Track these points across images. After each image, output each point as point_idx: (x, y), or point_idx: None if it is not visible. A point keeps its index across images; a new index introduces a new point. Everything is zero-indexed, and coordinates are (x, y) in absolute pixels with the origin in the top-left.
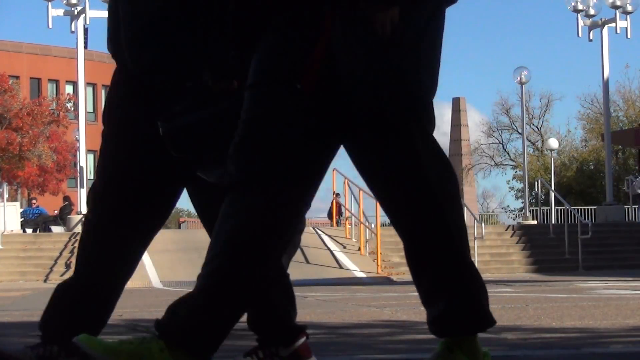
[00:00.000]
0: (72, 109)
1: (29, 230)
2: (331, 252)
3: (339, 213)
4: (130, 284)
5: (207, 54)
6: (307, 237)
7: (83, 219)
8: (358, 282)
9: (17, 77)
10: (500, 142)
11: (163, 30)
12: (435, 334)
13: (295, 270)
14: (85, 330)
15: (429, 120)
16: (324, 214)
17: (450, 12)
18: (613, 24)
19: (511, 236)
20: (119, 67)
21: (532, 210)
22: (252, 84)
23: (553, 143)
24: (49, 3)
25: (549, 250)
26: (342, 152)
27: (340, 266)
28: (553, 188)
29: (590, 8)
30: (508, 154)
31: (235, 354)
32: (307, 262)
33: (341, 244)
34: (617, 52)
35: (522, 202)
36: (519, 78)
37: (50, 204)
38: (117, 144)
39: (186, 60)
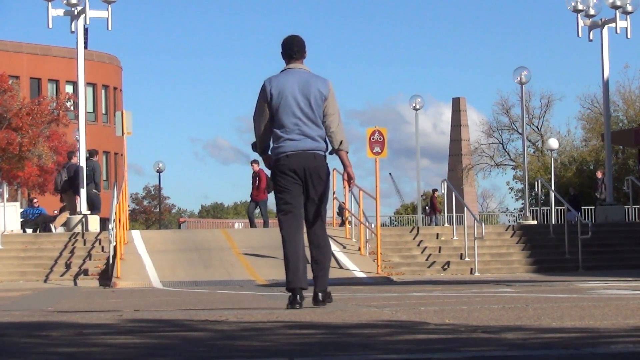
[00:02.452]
0: (72, 107)
1: (29, 231)
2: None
3: (435, 209)
4: (130, 284)
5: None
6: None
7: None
8: (358, 282)
9: (17, 77)
10: (500, 142)
11: None
12: None
13: None
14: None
15: None
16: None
17: (450, 12)
18: (613, 24)
19: (511, 236)
20: None
21: (532, 210)
22: None
23: (553, 143)
24: (49, 3)
25: (549, 251)
26: None
27: (341, 266)
28: (553, 188)
29: (590, 8)
30: (508, 154)
31: (235, 354)
32: (308, 262)
33: (341, 244)
34: (617, 52)
35: (522, 203)
36: (519, 78)
37: (50, 204)
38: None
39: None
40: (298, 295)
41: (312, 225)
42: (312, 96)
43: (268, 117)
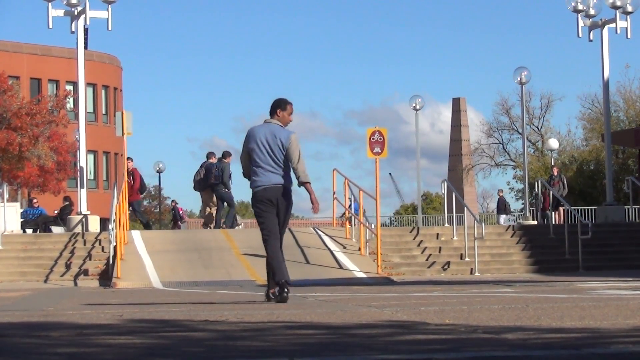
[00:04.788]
0: (71, 104)
1: (29, 231)
2: (331, 252)
3: (547, 206)
4: (130, 284)
5: None
6: (308, 237)
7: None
8: (358, 282)
9: (17, 78)
10: (500, 143)
11: None
12: None
13: (296, 271)
14: None
15: None
16: (323, 214)
17: (451, 13)
18: (613, 24)
19: (511, 236)
20: None
21: (532, 210)
22: None
23: (553, 143)
24: (49, 3)
25: (549, 251)
26: (342, 153)
27: (341, 266)
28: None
29: (591, 8)
30: (508, 154)
31: (236, 354)
32: (308, 262)
33: (341, 245)
34: (617, 52)
35: (523, 203)
36: (519, 78)
37: (50, 204)
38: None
39: None
40: (285, 288)
41: (280, 236)
42: (275, 145)
43: (248, 156)
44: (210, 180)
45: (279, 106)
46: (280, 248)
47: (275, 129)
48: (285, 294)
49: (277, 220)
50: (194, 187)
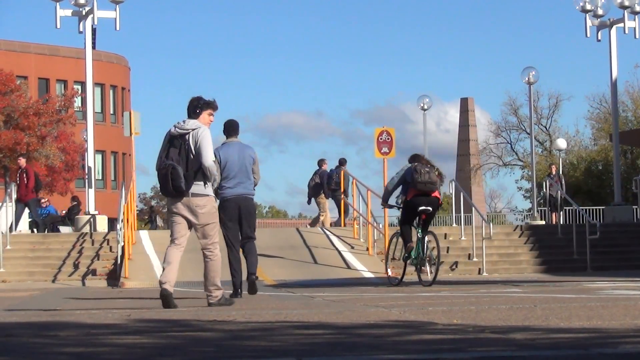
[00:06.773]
0: (79, 103)
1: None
2: (339, 252)
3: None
4: (138, 284)
5: None
6: (315, 237)
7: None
8: (366, 282)
9: (25, 78)
10: (508, 142)
11: None
12: None
13: (304, 271)
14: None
15: None
16: (331, 213)
17: (457, 13)
18: (621, 24)
19: (519, 236)
20: None
21: (541, 210)
22: None
23: (561, 143)
24: (57, 3)
25: (557, 251)
26: (348, 152)
27: (349, 266)
28: (561, 188)
29: (599, 8)
30: (516, 154)
31: (243, 354)
32: (315, 262)
33: (349, 244)
34: (625, 52)
35: (531, 203)
36: (527, 78)
37: (58, 204)
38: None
39: None
40: (239, 289)
41: (245, 240)
42: (246, 160)
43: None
44: (331, 187)
45: (238, 127)
46: (250, 249)
47: (242, 146)
48: (254, 282)
49: (239, 227)
50: (309, 194)
